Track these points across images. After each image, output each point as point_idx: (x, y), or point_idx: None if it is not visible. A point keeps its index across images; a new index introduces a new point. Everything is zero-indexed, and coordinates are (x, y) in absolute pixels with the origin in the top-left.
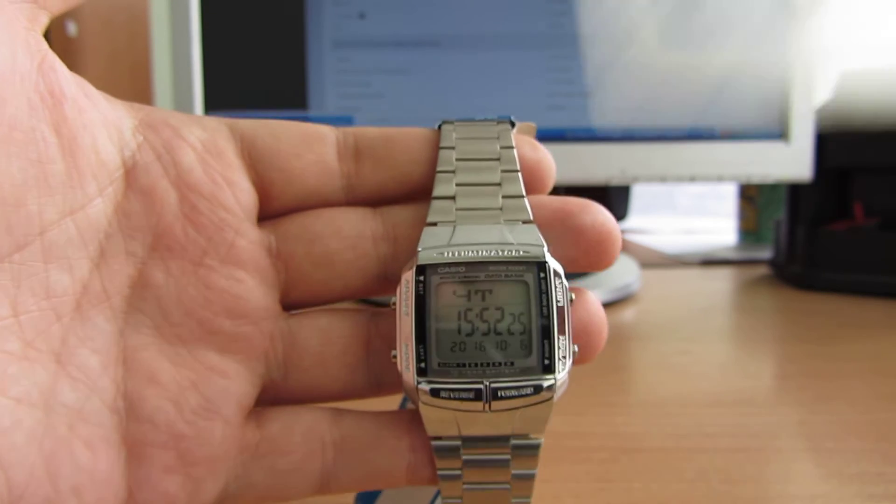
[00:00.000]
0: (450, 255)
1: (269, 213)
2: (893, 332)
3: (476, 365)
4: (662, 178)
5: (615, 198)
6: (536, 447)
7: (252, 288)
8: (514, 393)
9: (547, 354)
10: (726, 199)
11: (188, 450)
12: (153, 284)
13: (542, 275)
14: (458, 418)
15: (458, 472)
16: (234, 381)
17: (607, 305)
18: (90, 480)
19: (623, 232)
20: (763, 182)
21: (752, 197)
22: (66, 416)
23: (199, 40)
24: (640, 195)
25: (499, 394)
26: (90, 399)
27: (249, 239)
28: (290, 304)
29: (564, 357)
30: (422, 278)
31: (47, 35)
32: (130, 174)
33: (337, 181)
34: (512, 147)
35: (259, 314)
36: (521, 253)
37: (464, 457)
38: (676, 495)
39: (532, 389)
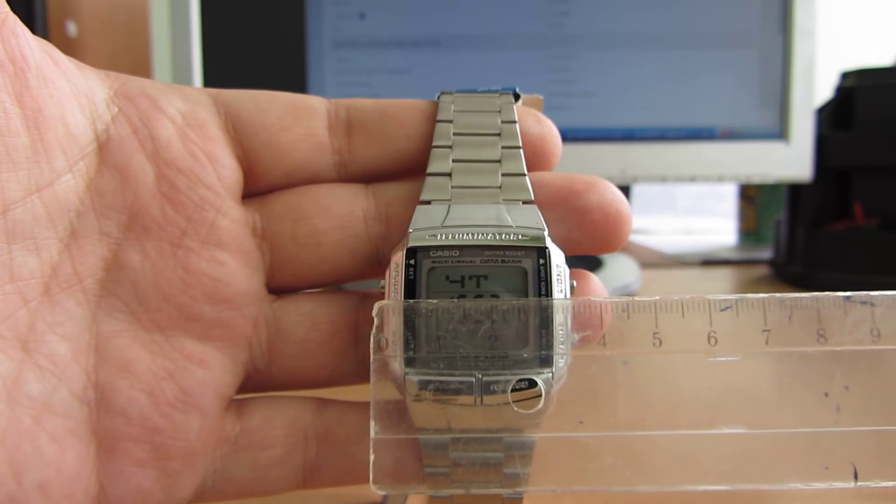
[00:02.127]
0: (443, 237)
1: (254, 190)
2: None
3: (468, 357)
4: (662, 178)
5: None
6: (530, 445)
7: (234, 270)
8: (506, 387)
9: (544, 345)
10: (726, 199)
11: (163, 444)
12: (129, 267)
13: (541, 261)
14: (448, 412)
15: (446, 470)
16: (213, 372)
17: None
18: (57, 475)
19: None
20: (763, 182)
21: (752, 197)
22: (31, 408)
23: (199, 40)
24: (640, 195)
25: (491, 388)
26: (58, 389)
27: (232, 218)
28: (276, 287)
29: (563, 348)
30: (412, 262)
31: (47, 35)
32: (104, 149)
33: (327, 156)
34: (514, 121)
35: (242, 299)
36: (520, 237)
37: (452, 454)
38: (676, 495)
39: (527, 383)
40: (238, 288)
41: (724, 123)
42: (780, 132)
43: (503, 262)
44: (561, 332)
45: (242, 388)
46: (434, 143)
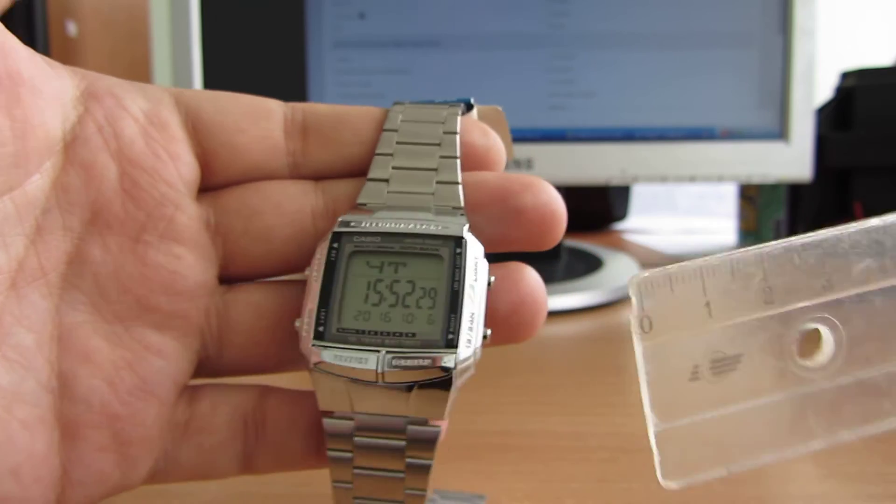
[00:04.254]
0: (367, 225)
1: (209, 185)
2: None
3: (377, 333)
4: (662, 178)
5: (615, 198)
6: (433, 436)
7: (190, 264)
8: (410, 363)
9: (452, 329)
10: (726, 199)
11: (122, 430)
12: (90, 261)
13: (458, 250)
14: (351, 391)
15: (348, 455)
16: (170, 360)
17: (607, 305)
18: (28, 461)
19: (623, 232)
20: (763, 182)
21: (752, 197)
22: (3, 398)
23: (199, 40)
24: (640, 195)
25: (393, 363)
26: (26, 379)
27: (189, 214)
28: (229, 278)
29: (471, 337)
30: (335, 246)
31: (47, 35)
32: (70, 147)
33: (282, 158)
34: (455, 132)
35: (196, 291)
36: (440, 228)
37: (355, 439)
38: (676, 495)
39: (430, 361)
40: (194, 280)
41: (724, 123)
42: (780, 132)
43: (422, 249)
44: (470, 320)
45: (196, 375)
46: (377, 151)
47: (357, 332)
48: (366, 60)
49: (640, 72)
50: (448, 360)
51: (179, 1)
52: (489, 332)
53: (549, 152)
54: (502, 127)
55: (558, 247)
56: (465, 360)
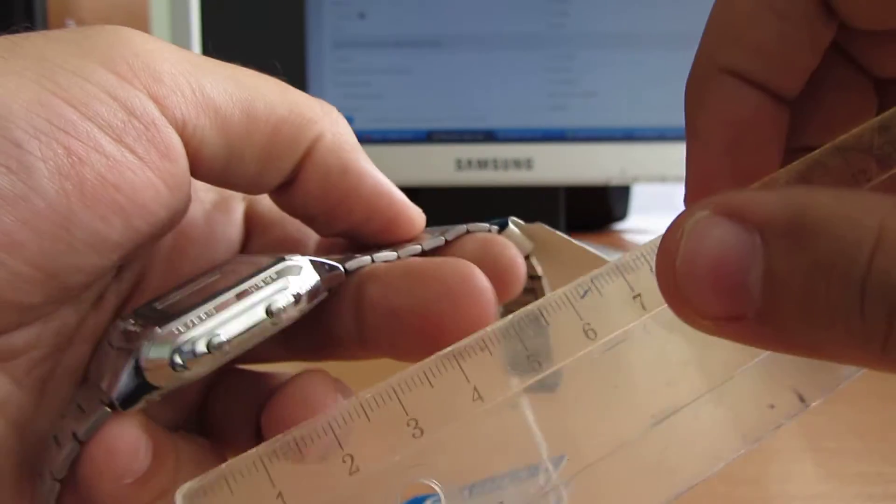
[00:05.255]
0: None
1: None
2: None
3: (162, 316)
4: (662, 178)
5: (615, 198)
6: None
7: None
8: (122, 345)
9: (182, 313)
10: None
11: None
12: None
13: (267, 264)
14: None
15: None
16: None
17: None
18: None
19: (623, 232)
20: None
21: None
22: None
23: (199, 40)
24: (640, 195)
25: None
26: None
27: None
28: None
29: (188, 339)
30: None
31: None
32: None
33: (231, 244)
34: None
35: None
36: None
37: None
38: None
39: (125, 341)
40: None
41: None
42: None
43: (260, 265)
44: (210, 326)
45: None
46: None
47: (154, 311)
48: (366, 60)
49: (640, 72)
50: (144, 346)
51: (179, 1)
52: (223, 344)
53: (549, 152)
54: (550, 238)
55: None
56: (158, 358)
